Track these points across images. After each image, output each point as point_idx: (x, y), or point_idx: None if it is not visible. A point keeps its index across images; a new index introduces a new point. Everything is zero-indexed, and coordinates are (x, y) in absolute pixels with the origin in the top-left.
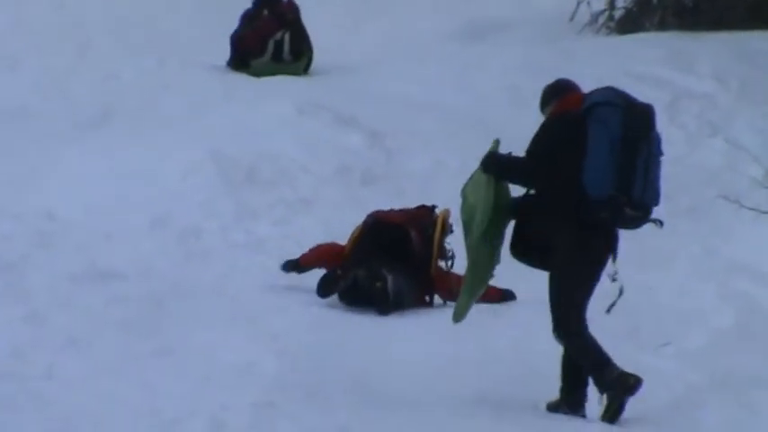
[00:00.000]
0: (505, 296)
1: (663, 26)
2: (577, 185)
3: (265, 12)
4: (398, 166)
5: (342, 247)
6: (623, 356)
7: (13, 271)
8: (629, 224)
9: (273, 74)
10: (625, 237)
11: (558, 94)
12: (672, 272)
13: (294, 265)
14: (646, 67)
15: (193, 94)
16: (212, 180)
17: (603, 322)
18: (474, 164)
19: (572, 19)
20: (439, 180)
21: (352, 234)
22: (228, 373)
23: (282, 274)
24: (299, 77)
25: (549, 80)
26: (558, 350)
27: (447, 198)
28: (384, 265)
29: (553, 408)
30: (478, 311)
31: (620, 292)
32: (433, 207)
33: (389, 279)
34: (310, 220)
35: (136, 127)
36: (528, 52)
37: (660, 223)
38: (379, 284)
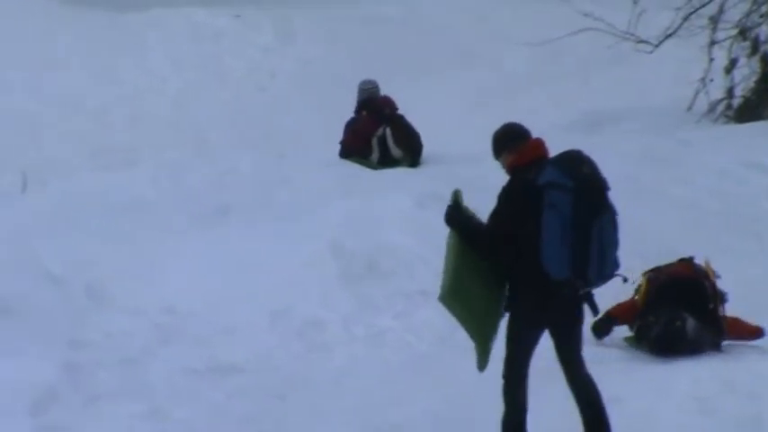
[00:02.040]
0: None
1: None
2: (538, 263)
3: (364, 113)
4: None
5: (628, 307)
6: None
7: (133, 366)
8: (586, 294)
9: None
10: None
11: (513, 142)
12: None
13: (608, 321)
14: (764, 155)
15: (311, 187)
16: (332, 272)
17: (725, 409)
18: None
19: (690, 108)
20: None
21: (638, 293)
22: None
23: (401, 364)
24: (415, 169)
25: (666, 170)
26: None
27: None
28: (685, 310)
29: None
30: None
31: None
32: (692, 258)
33: (689, 319)
34: (430, 312)
35: (254, 220)
36: (645, 142)
37: (624, 279)
38: (678, 323)
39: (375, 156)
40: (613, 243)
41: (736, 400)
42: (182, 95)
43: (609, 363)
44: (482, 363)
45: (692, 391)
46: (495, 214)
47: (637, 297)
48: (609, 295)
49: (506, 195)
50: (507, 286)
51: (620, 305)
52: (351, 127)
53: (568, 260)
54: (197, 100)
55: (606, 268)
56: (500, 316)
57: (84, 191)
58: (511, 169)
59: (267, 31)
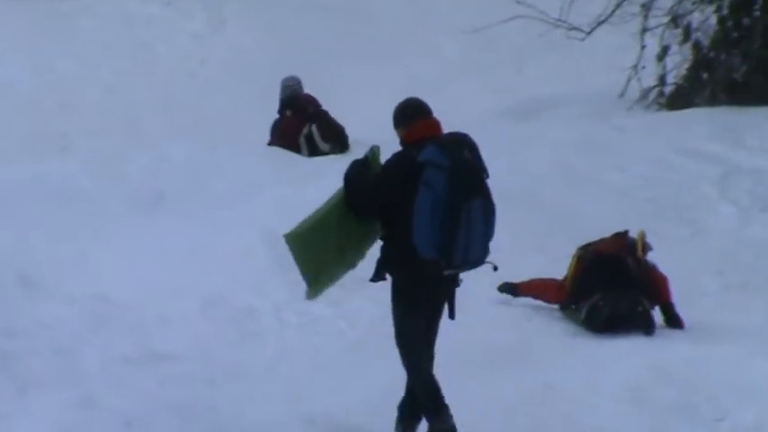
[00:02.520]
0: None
1: (713, 101)
2: (409, 237)
3: (288, 113)
4: None
5: (561, 283)
6: (677, 431)
7: (67, 354)
8: (453, 277)
9: None
10: (679, 311)
11: (408, 119)
12: (725, 346)
13: (511, 289)
14: (696, 142)
15: (244, 175)
16: (264, 260)
17: (656, 397)
18: (526, 240)
19: (622, 95)
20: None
21: (570, 269)
22: None
23: (334, 352)
24: (346, 156)
25: (600, 157)
26: None
27: (499, 274)
28: (628, 292)
29: None
30: (534, 388)
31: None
32: (626, 231)
33: (645, 302)
34: (363, 300)
35: (187, 208)
36: (578, 129)
37: (495, 268)
38: (640, 309)
39: (304, 153)
40: (483, 230)
41: (670, 388)
42: (113, 82)
43: (541, 351)
44: (311, 292)
45: (625, 379)
46: (380, 176)
47: (565, 277)
48: None
49: (386, 165)
50: (382, 254)
51: (534, 284)
52: (277, 128)
53: (436, 240)
54: (129, 87)
55: (472, 253)
56: (342, 269)
57: (17, 179)
58: (401, 144)
59: (198, 17)
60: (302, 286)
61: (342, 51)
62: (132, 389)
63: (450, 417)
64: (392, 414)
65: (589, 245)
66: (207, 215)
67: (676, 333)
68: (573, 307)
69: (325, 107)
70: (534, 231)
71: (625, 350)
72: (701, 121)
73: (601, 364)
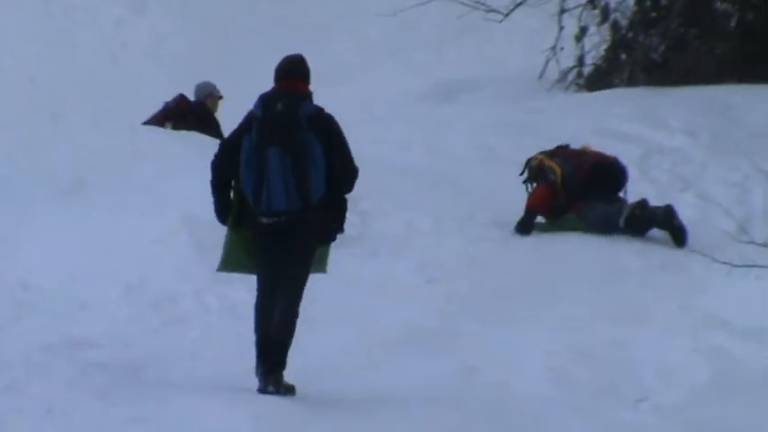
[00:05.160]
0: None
1: (632, 82)
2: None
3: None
4: (372, 228)
5: (548, 191)
6: (600, 412)
7: None
8: (276, 225)
9: None
10: (600, 292)
11: (275, 75)
12: (647, 326)
13: (526, 221)
14: (616, 123)
15: (165, 160)
16: (186, 245)
17: (579, 378)
18: (447, 223)
19: (541, 77)
20: (412, 240)
21: (556, 176)
22: None
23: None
24: None
25: (520, 139)
26: None
27: (421, 258)
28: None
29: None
30: (456, 372)
31: None
32: (567, 145)
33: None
34: None
35: (108, 194)
36: (498, 111)
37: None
38: (676, 222)
39: None
40: (281, 178)
41: (591, 370)
42: (34, 70)
43: (461, 334)
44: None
45: (546, 361)
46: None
47: (546, 184)
48: None
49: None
50: None
51: (534, 196)
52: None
53: (250, 182)
54: (51, 75)
55: (274, 201)
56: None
57: None
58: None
59: (119, 2)
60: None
61: (264, 37)
62: (54, 376)
63: (264, 375)
64: (314, 397)
65: (553, 154)
66: (127, 201)
67: (597, 313)
68: (572, 215)
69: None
70: (455, 214)
71: (547, 332)
72: (621, 102)
73: (522, 346)
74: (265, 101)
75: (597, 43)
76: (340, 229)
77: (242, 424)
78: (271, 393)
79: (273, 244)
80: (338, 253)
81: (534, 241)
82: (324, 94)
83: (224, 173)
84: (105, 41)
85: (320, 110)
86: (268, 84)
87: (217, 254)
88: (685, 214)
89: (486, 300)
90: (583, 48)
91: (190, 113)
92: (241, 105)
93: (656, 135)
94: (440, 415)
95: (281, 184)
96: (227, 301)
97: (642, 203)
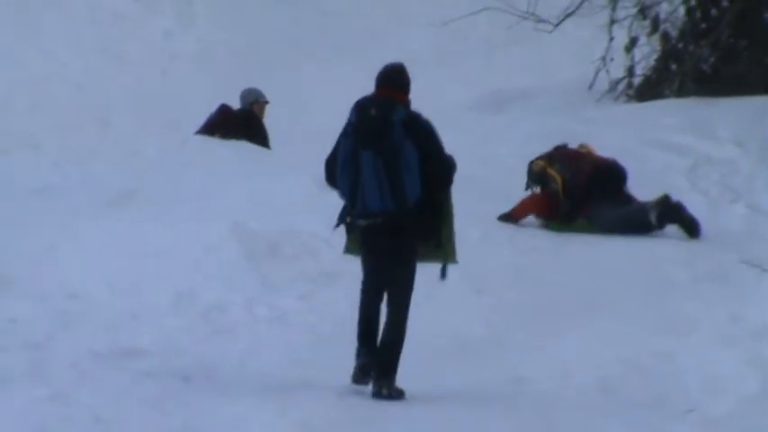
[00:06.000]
0: None
1: (682, 92)
2: None
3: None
4: None
5: (549, 198)
6: (648, 423)
7: (37, 351)
8: (374, 227)
9: None
10: (647, 303)
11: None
12: (696, 337)
13: (508, 217)
14: (665, 133)
15: (214, 169)
16: (235, 255)
17: (627, 390)
18: (495, 233)
19: (591, 87)
20: (461, 250)
21: (556, 183)
22: None
23: (305, 346)
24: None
25: None
26: None
27: (469, 268)
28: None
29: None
30: (505, 385)
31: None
32: (566, 144)
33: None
34: (334, 293)
35: (158, 203)
36: (548, 122)
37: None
38: (686, 214)
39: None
40: (375, 181)
41: (640, 381)
42: (82, 79)
43: (509, 344)
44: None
45: (595, 372)
46: None
47: (537, 189)
48: None
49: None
50: None
51: (525, 204)
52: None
53: (344, 185)
54: (98, 84)
55: (369, 202)
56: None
57: None
58: None
59: (168, 13)
60: (273, 279)
61: (310, 47)
62: (103, 384)
63: (363, 354)
64: (361, 402)
65: (552, 158)
66: (177, 210)
67: (645, 325)
68: (581, 220)
69: (293, 101)
70: (504, 224)
71: (595, 343)
72: (670, 113)
73: (571, 356)
74: (360, 106)
75: (647, 54)
76: (437, 226)
77: None
78: (384, 397)
79: (374, 246)
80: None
81: (582, 252)
82: None
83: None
84: (154, 52)
85: (416, 115)
86: (312, 93)
87: (267, 263)
88: (735, 225)
89: (534, 311)
90: (633, 58)
91: (236, 121)
92: (285, 115)
93: (705, 145)
94: (489, 421)
95: (375, 187)
96: (277, 310)
97: (665, 198)
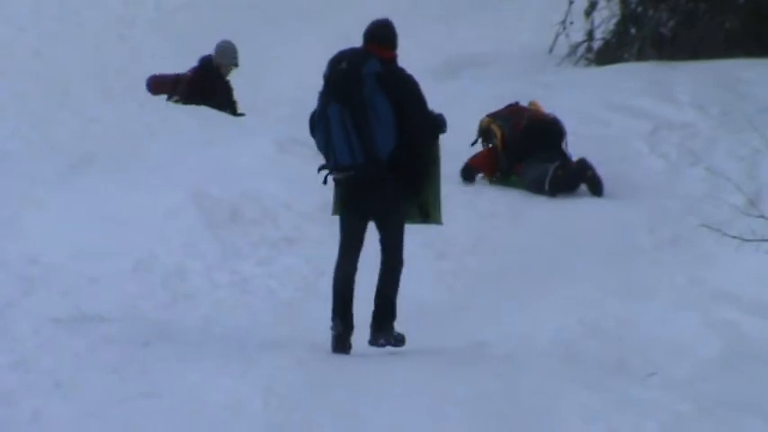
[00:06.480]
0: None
1: (641, 57)
2: None
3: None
4: None
5: (489, 153)
6: (609, 388)
7: None
8: (349, 181)
9: None
10: (609, 268)
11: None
12: (656, 302)
13: (468, 173)
14: (625, 97)
15: (174, 136)
16: (195, 221)
17: (589, 353)
18: (455, 198)
19: (551, 51)
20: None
21: (495, 139)
22: (216, 414)
23: (266, 311)
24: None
25: None
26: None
27: (432, 235)
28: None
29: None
30: (466, 350)
31: None
32: (517, 102)
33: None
34: (294, 258)
35: (118, 170)
36: (507, 86)
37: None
38: (590, 173)
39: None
40: (342, 133)
41: (602, 345)
42: (42, 46)
43: (471, 309)
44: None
45: (557, 336)
46: None
47: (491, 145)
48: None
49: None
50: None
51: (476, 156)
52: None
53: (320, 140)
54: (57, 50)
55: (339, 155)
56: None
57: None
58: None
59: None
60: (233, 245)
61: (270, 13)
62: (63, 350)
63: (339, 324)
64: (321, 369)
65: (498, 114)
66: (137, 177)
67: (606, 289)
68: (514, 176)
69: (253, 68)
70: (464, 188)
71: (556, 307)
72: (630, 77)
73: (532, 321)
74: (333, 60)
75: (607, 18)
76: (417, 180)
77: (252, 398)
78: (382, 346)
79: (355, 202)
80: None
81: (543, 217)
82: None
83: None
84: (112, 17)
85: (394, 69)
86: (271, 59)
87: (227, 228)
88: (695, 188)
89: (496, 276)
90: (592, 22)
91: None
92: (245, 81)
93: (665, 109)
94: (451, 386)
95: (343, 140)
96: (237, 276)
97: (564, 164)
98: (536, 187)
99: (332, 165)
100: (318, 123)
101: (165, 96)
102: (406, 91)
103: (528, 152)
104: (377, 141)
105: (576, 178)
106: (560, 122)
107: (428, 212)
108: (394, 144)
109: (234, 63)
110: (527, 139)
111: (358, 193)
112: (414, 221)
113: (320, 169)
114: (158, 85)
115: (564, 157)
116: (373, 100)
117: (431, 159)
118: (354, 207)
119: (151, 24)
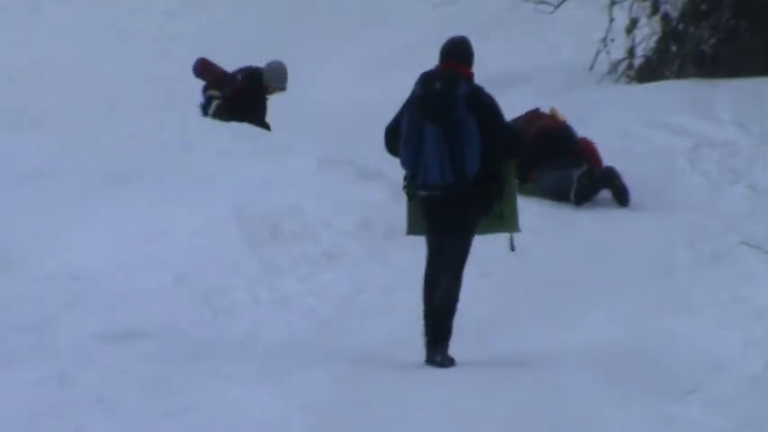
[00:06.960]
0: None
1: (682, 74)
2: None
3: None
4: None
5: None
6: (649, 404)
7: (41, 331)
8: (434, 198)
9: None
10: (650, 283)
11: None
12: (697, 318)
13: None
14: (666, 115)
15: (217, 150)
16: (236, 236)
17: (630, 369)
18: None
19: (591, 68)
20: None
21: None
22: (255, 430)
23: (305, 328)
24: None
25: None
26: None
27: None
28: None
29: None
30: (507, 366)
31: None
32: (537, 108)
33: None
34: (334, 275)
35: (161, 184)
36: (549, 102)
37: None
38: (617, 182)
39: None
40: (436, 154)
41: (641, 361)
42: (88, 59)
43: (512, 325)
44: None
45: (597, 352)
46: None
47: None
48: None
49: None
50: None
51: None
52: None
53: (406, 157)
54: (103, 64)
55: (430, 174)
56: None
57: None
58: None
59: None
60: (274, 261)
61: (312, 27)
62: (105, 366)
63: (430, 347)
64: (363, 388)
65: (516, 121)
66: (179, 191)
67: (649, 304)
68: (529, 184)
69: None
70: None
71: (598, 323)
72: (671, 94)
73: (573, 337)
74: (425, 80)
75: (648, 35)
76: (497, 199)
77: (291, 415)
78: (437, 365)
79: (434, 219)
80: (387, 245)
81: (584, 231)
82: (378, 78)
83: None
84: (157, 32)
85: (478, 90)
86: (313, 74)
87: (268, 245)
88: (736, 206)
89: (536, 292)
90: (633, 40)
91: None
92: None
93: (706, 127)
94: (493, 402)
95: (437, 161)
96: (277, 292)
97: (589, 172)
98: (557, 195)
99: (420, 183)
100: (408, 141)
101: (203, 83)
102: (492, 113)
103: (540, 159)
104: (466, 161)
105: (599, 185)
106: (570, 128)
107: (507, 221)
108: (480, 166)
109: (282, 87)
110: (538, 146)
111: (439, 212)
112: (492, 230)
113: (406, 186)
114: (205, 69)
115: (581, 163)
116: (466, 122)
117: (507, 175)
118: (434, 224)
119: (194, 39)
